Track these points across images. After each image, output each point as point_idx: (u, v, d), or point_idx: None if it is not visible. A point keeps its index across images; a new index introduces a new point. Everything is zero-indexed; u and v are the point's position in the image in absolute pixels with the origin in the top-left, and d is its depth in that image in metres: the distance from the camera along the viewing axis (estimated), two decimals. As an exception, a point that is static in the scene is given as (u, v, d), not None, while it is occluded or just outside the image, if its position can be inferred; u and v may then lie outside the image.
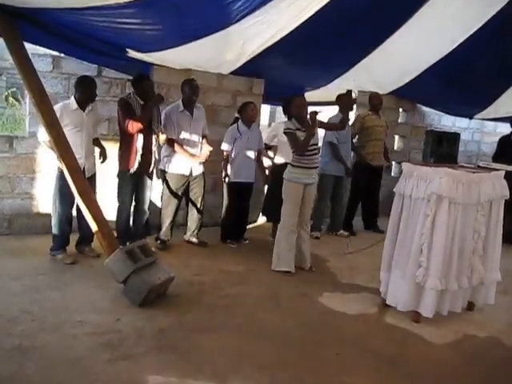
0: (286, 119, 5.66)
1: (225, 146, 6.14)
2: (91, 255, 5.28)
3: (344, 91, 6.99)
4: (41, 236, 5.79)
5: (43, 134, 4.88)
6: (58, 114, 4.84)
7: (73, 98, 5.07)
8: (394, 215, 4.57)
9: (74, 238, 5.37)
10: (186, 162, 5.79)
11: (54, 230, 5.20)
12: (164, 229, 5.89)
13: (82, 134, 5.09)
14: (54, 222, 5.20)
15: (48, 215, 5.84)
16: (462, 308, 4.63)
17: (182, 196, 5.95)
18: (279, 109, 12.25)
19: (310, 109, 5.49)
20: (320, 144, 6.10)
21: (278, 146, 6.34)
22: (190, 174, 5.84)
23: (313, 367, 3.51)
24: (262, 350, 3.67)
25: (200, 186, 5.96)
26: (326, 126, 5.91)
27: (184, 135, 5.76)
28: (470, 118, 9.32)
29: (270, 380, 3.28)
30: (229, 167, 6.15)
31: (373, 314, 4.56)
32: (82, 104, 5.06)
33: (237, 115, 6.22)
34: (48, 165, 5.63)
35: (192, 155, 5.74)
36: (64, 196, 4.97)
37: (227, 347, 3.67)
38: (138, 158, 5.34)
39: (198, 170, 5.92)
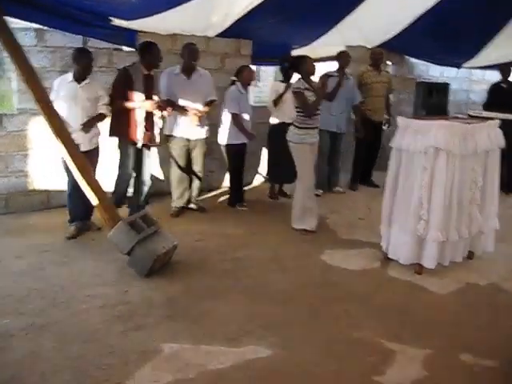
0: (284, 78, 5.64)
1: (233, 109, 6.03)
2: (91, 229, 5.27)
3: (330, 48, 7.01)
4: (39, 213, 5.80)
5: None
6: (55, 88, 4.87)
7: (71, 72, 5.04)
8: (392, 170, 4.59)
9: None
10: (187, 126, 5.73)
11: (68, 206, 5.20)
12: (174, 197, 5.94)
13: (77, 108, 5.00)
14: (68, 199, 5.17)
15: (44, 191, 5.86)
16: (463, 257, 4.72)
17: (187, 161, 5.92)
18: (264, 68, 12.18)
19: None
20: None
21: (284, 105, 6.26)
22: (190, 138, 5.80)
23: (323, 325, 3.58)
24: (272, 311, 3.74)
25: (200, 151, 5.93)
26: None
27: (177, 98, 5.69)
28: (458, 67, 9.27)
29: (283, 339, 3.35)
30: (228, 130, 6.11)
31: (376, 268, 4.64)
32: (78, 77, 4.99)
33: (233, 78, 6.15)
34: (40, 141, 5.58)
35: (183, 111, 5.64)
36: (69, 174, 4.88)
37: (237, 311, 3.73)
38: (142, 129, 5.27)
39: (198, 134, 5.85)
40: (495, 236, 4.98)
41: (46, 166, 5.72)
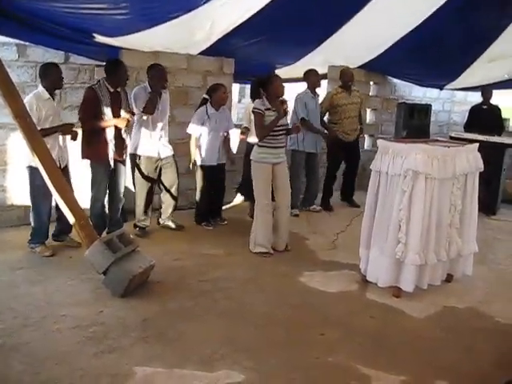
0: (252, 98, 5.65)
1: (192, 129, 6.06)
2: (71, 245, 5.21)
3: (313, 67, 7.06)
4: (16, 228, 5.72)
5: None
6: (34, 106, 4.76)
7: (41, 87, 4.93)
8: (371, 192, 4.60)
9: (51, 227, 5.26)
10: (153, 144, 5.71)
11: (33, 224, 5.10)
12: (138, 215, 5.85)
13: (56, 123, 4.99)
14: (32, 215, 5.09)
15: (22, 207, 5.78)
16: (442, 280, 4.72)
17: (154, 180, 5.88)
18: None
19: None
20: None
21: (252, 125, 6.28)
22: (159, 156, 5.77)
23: (298, 349, 3.54)
24: (248, 334, 3.70)
25: (172, 168, 5.90)
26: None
27: (151, 119, 5.64)
28: (441, 88, 9.38)
29: (257, 364, 3.30)
30: (197, 150, 6.10)
31: (354, 291, 4.62)
32: (51, 93, 4.95)
33: (205, 96, 6.11)
34: (19, 156, 5.51)
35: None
36: (40, 189, 4.81)
37: (212, 333, 3.68)
38: (112, 147, 5.25)
39: (166, 151, 5.84)
40: (475, 258, 5.00)
41: (25, 182, 5.64)
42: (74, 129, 5.08)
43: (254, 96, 6.03)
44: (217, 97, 5.99)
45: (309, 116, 6.88)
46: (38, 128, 4.66)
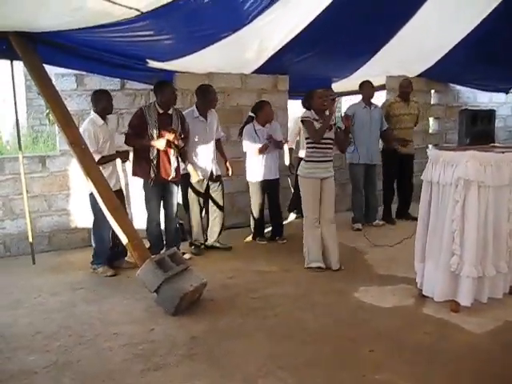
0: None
1: (246, 147, 6.19)
2: (127, 267, 5.35)
3: (371, 79, 6.97)
4: (80, 250, 6.00)
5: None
6: (92, 132, 5.01)
7: (93, 113, 5.15)
8: (424, 203, 4.47)
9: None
10: (202, 168, 5.84)
11: (96, 245, 5.29)
12: (194, 234, 5.97)
13: (111, 149, 5.22)
14: (94, 238, 5.30)
15: (86, 229, 6.02)
16: (504, 293, 4.48)
17: (204, 199, 5.99)
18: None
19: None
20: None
21: (301, 140, 6.29)
22: (210, 176, 5.88)
23: (345, 366, 3.46)
24: (295, 351, 3.65)
25: (219, 188, 6.00)
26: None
27: (199, 141, 5.79)
28: (506, 92, 9.02)
29: (300, 381, 3.25)
30: (253, 163, 6.19)
31: (409, 306, 4.47)
32: (104, 118, 5.17)
33: (251, 114, 6.18)
34: (81, 181, 5.76)
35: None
36: (102, 213, 4.97)
37: (259, 351, 3.67)
38: (153, 167, 5.36)
39: (216, 172, 5.96)
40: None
41: (87, 205, 5.88)
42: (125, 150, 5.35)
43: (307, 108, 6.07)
44: (263, 114, 6.08)
45: (357, 126, 6.79)
46: (98, 156, 4.92)
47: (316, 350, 3.67)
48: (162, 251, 5.32)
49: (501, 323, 4.10)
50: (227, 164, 6.15)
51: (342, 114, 5.59)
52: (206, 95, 5.76)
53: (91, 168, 4.61)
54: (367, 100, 6.90)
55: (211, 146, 5.89)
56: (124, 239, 4.54)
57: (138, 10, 4.09)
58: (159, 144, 5.29)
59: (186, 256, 5.51)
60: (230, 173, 6.16)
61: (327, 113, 5.21)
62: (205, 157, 5.84)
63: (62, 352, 3.65)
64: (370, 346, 3.72)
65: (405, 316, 4.27)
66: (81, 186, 5.80)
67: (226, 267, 5.43)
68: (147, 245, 5.24)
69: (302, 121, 5.32)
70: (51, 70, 5.11)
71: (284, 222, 6.77)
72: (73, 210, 6.06)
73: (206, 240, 6.12)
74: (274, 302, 4.54)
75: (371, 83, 6.95)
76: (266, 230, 6.56)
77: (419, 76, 8.00)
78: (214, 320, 4.17)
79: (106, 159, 5.10)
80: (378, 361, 3.53)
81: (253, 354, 3.62)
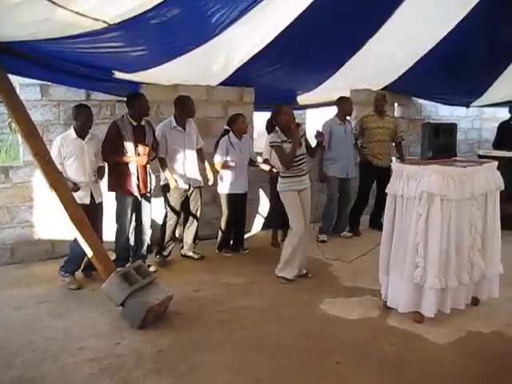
0: (268, 132, 5.72)
1: (218, 158, 6.17)
2: (97, 279, 5.27)
3: (336, 92, 7.06)
4: (44, 262, 5.90)
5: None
6: (58, 145, 5.00)
7: (72, 128, 5.15)
8: (388, 216, 4.55)
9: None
10: (184, 176, 5.84)
11: (71, 253, 5.22)
12: (166, 244, 5.96)
13: (84, 163, 5.16)
14: (71, 246, 5.20)
15: (49, 241, 5.93)
16: (466, 304, 4.57)
17: (181, 211, 5.99)
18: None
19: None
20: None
21: (272, 157, 6.30)
22: (189, 187, 5.89)
23: (312, 378, 3.49)
24: (261, 364, 3.67)
25: (197, 198, 6.02)
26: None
27: (178, 151, 5.80)
28: (467, 106, 9.25)
29: (268, 395, 3.27)
30: (224, 176, 6.19)
31: (374, 317, 4.53)
32: (81, 133, 5.12)
33: (226, 127, 6.22)
34: (45, 192, 5.67)
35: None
36: None
37: (226, 364, 3.67)
38: (135, 180, 5.33)
39: (196, 183, 5.97)
40: (503, 280, 4.85)
41: (51, 216, 5.80)
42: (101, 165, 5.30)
43: (269, 129, 6.12)
44: (237, 126, 6.12)
45: (334, 143, 6.90)
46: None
47: (283, 363, 3.69)
48: (128, 264, 5.27)
49: (464, 333, 4.19)
50: (209, 172, 6.13)
51: (304, 126, 5.63)
52: (184, 105, 5.80)
53: (54, 179, 4.54)
54: (342, 116, 6.98)
55: (191, 155, 5.90)
56: (89, 252, 4.49)
57: (105, 22, 4.07)
58: (140, 160, 5.29)
59: (152, 268, 5.48)
60: (211, 182, 6.14)
61: (298, 133, 5.26)
62: (185, 167, 5.85)
63: (25, 368, 3.58)
64: (336, 357, 3.76)
65: (370, 328, 4.33)
66: (45, 198, 5.71)
67: (192, 279, 5.41)
68: (113, 257, 5.19)
69: (270, 146, 5.39)
70: (15, 80, 5.02)
71: (249, 234, 6.80)
72: (36, 222, 5.95)
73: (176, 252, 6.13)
74: (241, 314, 4.55)
75: (349, 99, 7.06)
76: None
77: (383, 89, 8.13)
78: (181, 333, 4.15)
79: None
80: (345, 373, 3.57)
81: (219, 368, 3.62)
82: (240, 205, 6.33)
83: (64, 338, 4.06)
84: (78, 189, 5.05)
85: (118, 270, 4.46)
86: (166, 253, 5.98)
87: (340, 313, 4.60)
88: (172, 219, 5.95)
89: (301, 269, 5.47)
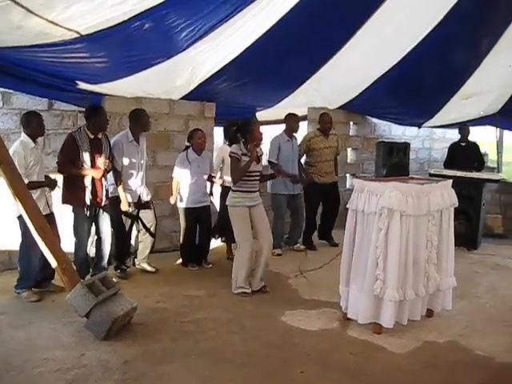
0: (227, 142, 5.83)
1: (175, 173, 6.25)
2: (54, 290, 5.21)
3: (293, 109, 7.23)
4: (0, 273, 5.75)
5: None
6: (22, 154, 4.87)
7: (24, 135, 5.00)
8: (349, 230, 4.69)
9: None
10: (133, 190, 5.86)
11: (22, 269, 5.12)
12: (120, 257, 5.95)
13: (40, 171, 5.10)
14: (22, 262, 5.11)
15: (5, 252, 5.81)
16: (422, 315, 4.76)
17: (133, 223, 6.01)
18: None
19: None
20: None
21: (225, 167, 6.40)
22: (139, 200, 5.90)
23: (279, 387, 3.57)
24: (227, 374, 3.72)
25: (150, 210, 6.04)
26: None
27: (131, 164, 5.80)
28: (419, 126, 9.62)
29: (237, 404, 3.33)
30: (181, 191, 6.24)
31: (335, 328, 4.66)
32: (34, 140, 5.05)
33: (187, 143, 6.28)
34: (2, 202, 5.57)
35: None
36: (32, 237, 4.72)
37: (192, 374, 3.70)
38: (88, 194, 5.30)
39: (146, 197, 6.01)
40: (455, 293, 5.09)
41: (8, 226, 5.68)
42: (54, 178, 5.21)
43: (229, 139, 6.20)
44: (195, 143, 6.17)
45: (282, 159, 7.03)
46: (26, 180, 4.76)
47: (249, 373, 3.75)
48: (87, 276, 5.23)
49: (420, 343, 4.36)
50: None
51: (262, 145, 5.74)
52: (139, 119, 5.79)
53: (20, 189, 4.48)
54: (290, 132, 7.13)
55: (142, 169, 5.92)
56: (53, 263, 4.45)
57: (77, 33, 4.11)
58: (96, 173, 5.26)
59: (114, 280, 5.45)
60: (172, 201, 6.26)
61: (256, 151, 5.35)
62: (136, 181, 5.85)
63: (-12, 380, 3.53)
64: (300, 367, 3.86)
65: (331, 338, 4.44)
66: (2, 208, 5.60)
67: (154, 291, 5.41)
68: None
69: (230, 155, 5.42)
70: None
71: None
72: (-8, 233, 5.83)
73: (133, 262, 6.12)
74: (205, 325, 4.59)
75: (297, 116, 7.19)
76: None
77: (339, 108, 8.38)
78: (146, 344, 4.15)
79: (34, 185, 4.92)
80: (309, 381, 3.68)
81: (186, 378, 3.65)
82: (201, 219, 6.36)
83: (27, 349, 4.00)
84: (56, 185, 5.08)
85: (82, 280, 4.43)
86: (124, 266, 5.96)
87: (301, 324, 4.70)
88: (121, 233, 5.93)
89: (253, 281, 5.51)
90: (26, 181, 4.79)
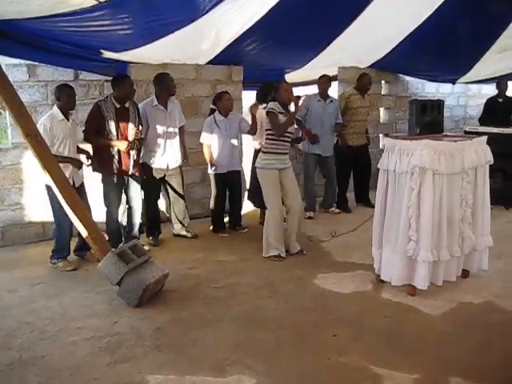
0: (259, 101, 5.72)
1: (203, 139, 6.17)
2: (91, 260, 5.26)
3: (323, 70, 7.07)
4: (35, 245, 5.88)
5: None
6: (48, 127, 4.88)
7: (56, 107, 5.02)
8: (380, 191, 4.59)
9: (73, 243, 5.36)
10: (162, 155, 5.82)
11: (57, 239, 5.20)
12: (151, 224, 5.98)
13: (70, 144, 5.11)
14: (55, 231, 5.20)
15: (40, 223, 5.91)
16: (457, 276, 4.67)
17: (160, 188, 6.03)
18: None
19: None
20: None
21: (260, 130, 6.29)
22: (167, 167, 5.88)
23: (310, 351, 3.54)
24: (260, 338, 3.72)
25: (178, 177, 6.02)
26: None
27: (160, 129, 5.75)
28: (453, 83, 9.32)
29: (268, 368, 3.32)
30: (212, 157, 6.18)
31: (368, 291, 4.61)
32: (65, 113, 5.05)
33: (212, 106, 6.19)
34: (35, 174, 5.63)
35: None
36: (61, 206, 4.79)
37: (225, 339, 3.71)
38: (115, 162, 5.31)
39: (174, 162, 5.95)
40: (492, 252, 4.95)
41: (42, 199, 5.75)
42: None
43: (262, 100, 6.09)
44: (222, 105, 6.07)
45: (311, 118, 6.95)
46: (52, 151, 4.79)
47: (281, 337, 3.74)
48: (121, 245, 5.27)
49: (455, 305, 4.28)
50: (185, 152, 6.12)
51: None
52: (163, 83, 5.73)
53: (48, 160, 4.50)
54: (322, 93, 6.99)
55: (172, 134, 5.86)
56: (84, 232, 4.49)
57: (95, 0, 4.03)
58: (121, 145, 5.26)
59: (145, 248, 5.48)
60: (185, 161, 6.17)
61: (292, 108, 5.27)
62: (165, 146, 5.82)
63: (24, 348, 3.59)
64: (332, 330, 3.83)
65: (364, 301, 4.40)
66: (35, 180, 5.67)
67: (186, 258, 5.44)
68: (106, 238, 5.19)
69: (267, 112, 5.31)
70: (1, 60, 4.94)
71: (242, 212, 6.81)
72: (27, 204, 5.91)
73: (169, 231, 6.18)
74: (237, 291, 4.59)
75: (328, 77, 7.05)
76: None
77: (370, 67, 8.15)
78: (178, 310, 4.18)
79: (58, 160, 4.86)
80: (342, 344, 3.64)
81: (219, 343, 3.66)
82: (232, 183, 6.32)
83: (61, 318, 4.07)
84: (81, 164, 5.12)
85: (113, 249, 4.46)
86: (155, 232, 5.99)
87: (334, 287, 4.66)
88: (151, 199, 5.97)
89: (290, 246, 5.51)
90: None
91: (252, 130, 6.11)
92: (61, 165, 4.77)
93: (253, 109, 5.98)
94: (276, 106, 5.31)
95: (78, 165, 5.11)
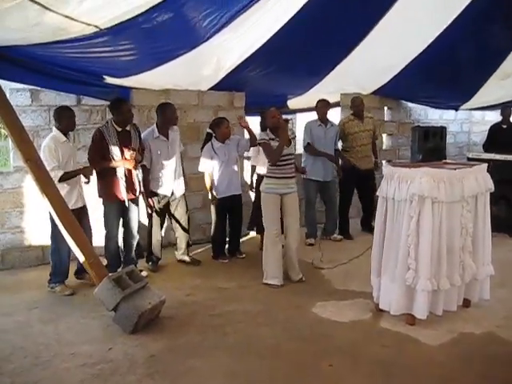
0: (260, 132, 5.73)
1: (202, 167, 6.15)
2: (90, 283, 5.23)
3: (326, 96, 7.09)
4: (34, 268, 5.87)
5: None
6: (53, 147, 4.94)
7: (56, 130, 5.06)
8: (379, 219, 4.55)
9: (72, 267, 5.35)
10: (167, 183, 5.81)
11: (53, 264, 5.18)
12: (153, 248, 5.96)
13: (73, 165, 5.15)
14: (54, 256, 5.18)
15: (40, 247, 5.90)
16: (458, 306, 4.59)
17: (165, 216, 6.00)
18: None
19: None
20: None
21: (261, 157, 6.30)
22: (172, 194, 5.87)
23: (305, 381, 3.49)
24: (255, 368, 3.66)
25: (182, 204, 6.01)
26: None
27: (161, 159, 5.76)
28: (456, 109, 9.33)
29: (262, 399, 3.27)
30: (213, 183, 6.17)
31: (367, 320, 4.54)
32: (66, 135, 5.10)
33: (209, 130, 6.16)
34: (35, 198, 5.64)
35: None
36: (61, 232, 4.77)
37: (219, 368, 3.66)
38: (123, 185, 5.31)
39: (180, 191, 5.96)
40: (494, 281, 4.89)
41: (42, 222, 5.75)
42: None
43: (263, 129, 6.13)
44: (220, 132, 6.05)
45: (315, 144, 6.95)
46: (61, 171, 4.90)
47: (277, 366, 3.69)
48: (119, 269, 5.26)
49: (455, 335, 4.21)
50: (184, 178, 6.11)
51: (295, 130, 5.71)
52: (165, 113, 5.72)
53: (47, 184, 4.51)
54: (322, 118, 7.01)
55: (174, 163, 5.85)
56: (81, 257, 4.47)
57: (96, 27, 4.08)
58: (128, 164, 5.28)
59: (143, 273, 5.44)
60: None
61: (286, 130, 5.32)
62: (168, 176, 5.81)
63: (17, 374, 3.56)
64: (330, 360, 3.77)
65: (362, 330, 4.33)
66: (36, 203, 5.68)
67: (184, 284, 5.40)
68: (105, 262, 5.17)
69: (259, 143, 5.42)
70: (5, 85, 5.00)
71: (244, 238, 6.78)
72: (27, 228, 5.92)
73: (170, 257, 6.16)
74: (234, 318, 4.54)
75: (325, 101, 7.04)
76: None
77: (373, 93, 8.18)
78: (174, 338, 4.13)
79: (70, 175, 5.01)
80: (338, 375, 3.58)
81: (213, 372, 3.61)
82: (233, 208, 6.29)
83: (56, 343, 4.03)
84: (92, 171, 5.16)
85: (110, 274, 4.44)
86: (154, 258, 5.96)
87: (332, 316, 4.60)
88: (154, 226, 5.95)
89: (292, 273, 5.48)
90: (62, 172, 4.90)
91: (253, 142, 6.04)
92: (69, 185, 4.88)
93: (242, 122, 5.90)
94: (266, 134, 5.39)
95: (90, 172, 5.14)
